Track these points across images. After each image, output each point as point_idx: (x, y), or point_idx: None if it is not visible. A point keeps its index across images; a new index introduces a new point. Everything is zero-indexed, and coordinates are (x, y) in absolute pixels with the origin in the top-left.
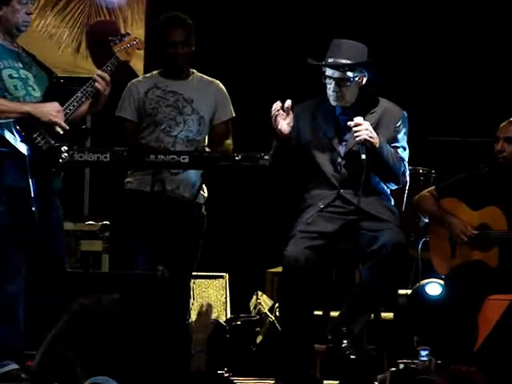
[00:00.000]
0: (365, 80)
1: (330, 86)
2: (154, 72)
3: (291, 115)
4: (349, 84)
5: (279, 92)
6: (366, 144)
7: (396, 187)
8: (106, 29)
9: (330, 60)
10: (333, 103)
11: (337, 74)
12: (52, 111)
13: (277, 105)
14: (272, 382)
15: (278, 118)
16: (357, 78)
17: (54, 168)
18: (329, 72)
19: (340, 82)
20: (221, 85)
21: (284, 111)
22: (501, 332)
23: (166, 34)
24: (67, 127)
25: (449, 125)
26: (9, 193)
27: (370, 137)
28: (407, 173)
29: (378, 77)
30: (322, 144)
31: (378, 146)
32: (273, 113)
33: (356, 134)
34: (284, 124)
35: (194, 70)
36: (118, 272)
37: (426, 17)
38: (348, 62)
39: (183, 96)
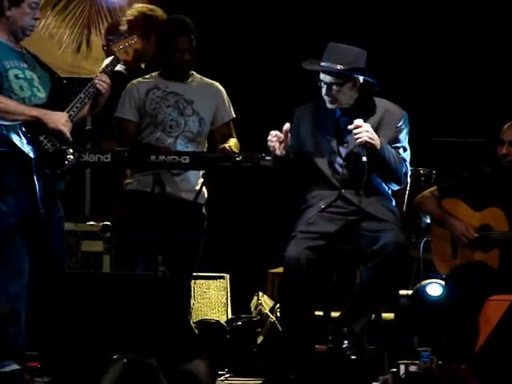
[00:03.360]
0: (359, 83)
1: (323, 90)
2: (154, 73)
3: (288, 138)
4: (339, 89)
5: (279, 93)
6: (366, 146)
7: (398, 188)
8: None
9: (324, 64)
10: (328, 106)
11: (328, 78)
12: (61, 119)
13: (274, 134)
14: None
15: (273, 144)
16: (349, 83)
17: (59, 170)
18: (321, 76)
19: (331, 86)
20: (220, 87)
21: (281, 137)
22: (502, 332)
23: (172, 41)
24: (71, 139)
25: (449, 125)
26: (13, 194)
27: (371, 138)
28: (409, 173)
29: (375, 80)
30: (323, 145)
31: (378, 147)
32: (269, 139)
33: (356, 136)
34: (278, 146)
35: (194, 72)
36: (118, 272)
37: (427, 18)
38: (340, 67)
39: (184, 97)
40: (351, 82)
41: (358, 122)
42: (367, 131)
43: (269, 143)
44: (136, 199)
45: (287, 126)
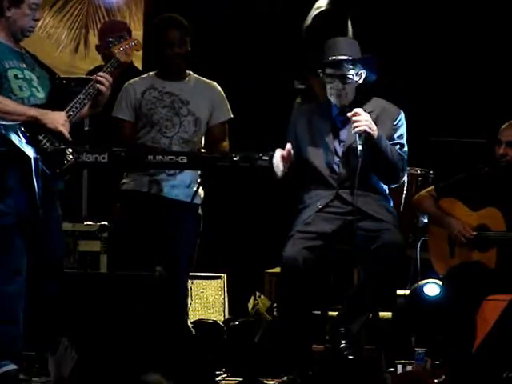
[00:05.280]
0: (363, 77)
1: (333, 85)
2: (151, 73)
3: (291, 157)
4: (350, 81)
5: (277, 92)
6: (364, 135)
7: (396, 185)
8: (118, 29)
9: (331, 59)
10: (334, 102)
11: (339, 71)
12: (60, 119)
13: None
14: (273, 382)
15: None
16: (358, 74)
17: (58, 170)
18: (330, 70)
19: (342, 79)
20: (217, 86)
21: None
22: (499, 332)
23: (162, 35)
24: (70, 139)
25: (447, 125)
26: (12, 194)
27: (370, 128)
28: (406, 170)
29: (376, 71)
30: (320, 145)
31: (376, 137)
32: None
33: (355, 125)
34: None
35: (191, 72)
36: (116, 273)
37: (426, 18)
38: (349, 57)
39: (179, 97)
40: (359, 72)
41: (358, 110)
42: (366, 120)
43: (276, 169)
44: (132, 199)
45: (289, 146)
